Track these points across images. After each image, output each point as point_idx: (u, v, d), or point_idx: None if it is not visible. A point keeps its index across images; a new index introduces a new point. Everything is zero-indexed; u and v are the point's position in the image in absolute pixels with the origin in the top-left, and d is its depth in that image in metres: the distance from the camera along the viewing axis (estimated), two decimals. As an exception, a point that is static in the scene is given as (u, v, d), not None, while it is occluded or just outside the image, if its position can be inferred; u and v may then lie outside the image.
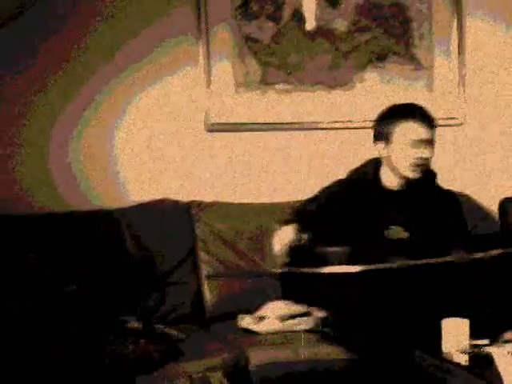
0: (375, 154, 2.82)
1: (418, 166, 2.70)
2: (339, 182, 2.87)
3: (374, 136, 2.78)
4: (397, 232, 2.70)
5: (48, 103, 3.28)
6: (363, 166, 2.86)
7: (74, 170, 3.31)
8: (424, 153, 2.69)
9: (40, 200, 3.23)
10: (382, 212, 2.71)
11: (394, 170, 2.74)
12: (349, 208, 2.72)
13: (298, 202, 3.32)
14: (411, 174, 2.71)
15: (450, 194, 2.88)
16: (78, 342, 2.40)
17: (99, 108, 3.33)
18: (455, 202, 2.86)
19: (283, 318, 2.84)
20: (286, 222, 2.69)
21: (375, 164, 2.81)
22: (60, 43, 3.28)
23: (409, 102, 2.82)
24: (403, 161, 2.70)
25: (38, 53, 3.26)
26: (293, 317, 2.84)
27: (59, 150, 3.30)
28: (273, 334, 2.78)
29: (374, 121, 2.80)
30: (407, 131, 2.68)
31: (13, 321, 2.41)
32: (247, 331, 2.84)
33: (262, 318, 2.87)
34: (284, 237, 2.64)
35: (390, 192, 2.76)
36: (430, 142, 2.71)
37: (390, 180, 2.77)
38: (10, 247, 2.84)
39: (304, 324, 2.81)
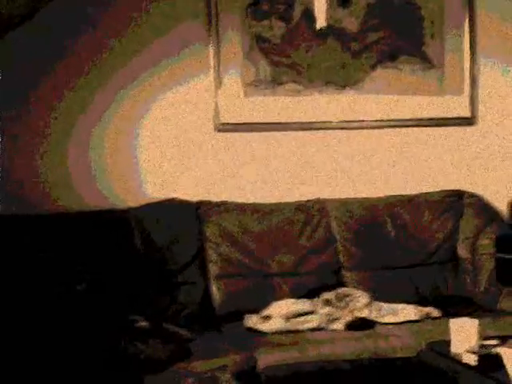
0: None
1: None
2: None
3: None
4: None
5: (68, 106, 3.30)
6: None
7: (93, 169, 3.32)
8: None
9: (58, 198, 3.25)
10: None
11: None
12: None
13: (307, 202, 3.34)
14: None
15: None
16: (87, 341, 2.41)
17: (118, 110, 3.34)
18: None
19: (288, 317, 2.84)
20: None
21: None
22: (87, 46, 3.30)
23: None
24: None
25: (61, 56, 3.27)
26: (298, 315, 2.84)
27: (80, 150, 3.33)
28: (279, 333, 2.78)
29: None
30: None
31: (23, 318, 2.42)
32: (254, 331, 2.84)
33: (267, 318, 2.87)
34: None
35: None
36: None
37: None
38: (21, 247, 2.85)
39: (309, 322, 2.81)
